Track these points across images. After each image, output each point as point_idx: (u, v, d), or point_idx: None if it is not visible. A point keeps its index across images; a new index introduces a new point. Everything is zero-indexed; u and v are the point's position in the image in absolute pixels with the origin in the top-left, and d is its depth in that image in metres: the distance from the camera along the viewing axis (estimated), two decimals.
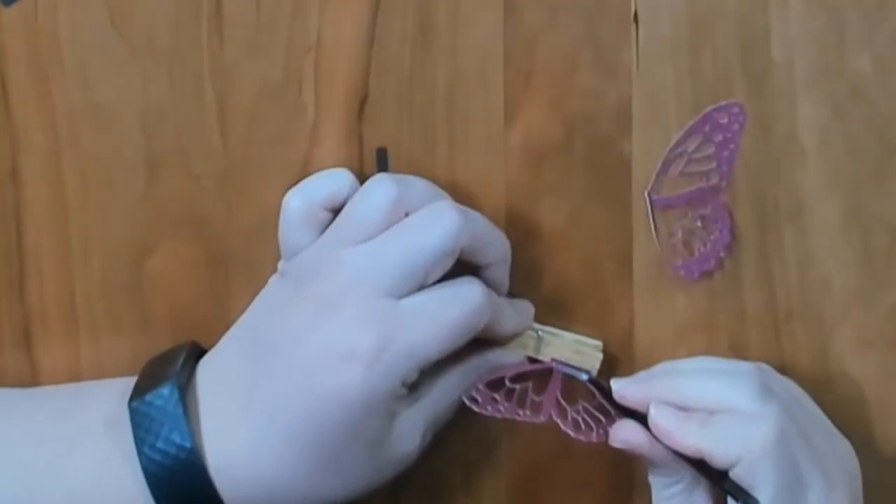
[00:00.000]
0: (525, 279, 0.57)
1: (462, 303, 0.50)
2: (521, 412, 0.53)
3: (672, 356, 0.58)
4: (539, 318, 0.57)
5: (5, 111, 0.58)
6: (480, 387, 0.52)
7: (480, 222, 0.52)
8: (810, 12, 0.56)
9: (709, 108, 0.56)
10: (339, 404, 0.48)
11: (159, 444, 0.48)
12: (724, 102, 0.56)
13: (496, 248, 0.53)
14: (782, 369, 0.57)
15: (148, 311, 0.59)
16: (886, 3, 0.56)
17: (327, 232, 0.52)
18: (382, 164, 0.57)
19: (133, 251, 0.58)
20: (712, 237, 0.57)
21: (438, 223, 0.50)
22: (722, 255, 0.57)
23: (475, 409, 0.52)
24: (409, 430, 0.51)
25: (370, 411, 0.49)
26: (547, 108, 0.57)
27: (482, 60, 0.57)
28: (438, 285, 0.50)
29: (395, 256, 0.49)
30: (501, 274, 0.54)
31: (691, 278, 0.57)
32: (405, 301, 0.49)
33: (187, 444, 0.48)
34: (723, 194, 0.57)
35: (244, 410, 0.49)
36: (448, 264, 0.50)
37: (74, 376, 0.58)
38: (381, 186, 0.51)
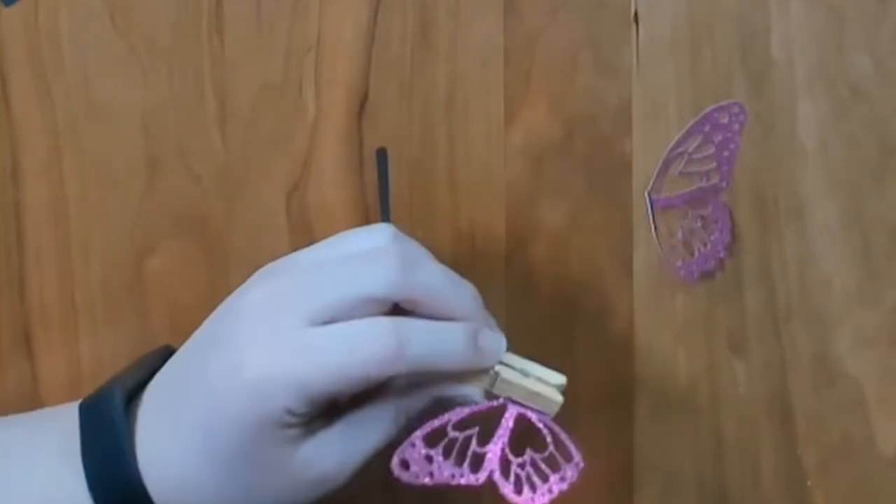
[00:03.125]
0: (525, 279, 0.57)
1: (360, 348, 0.46)
2: (457, 473, 0.47)
3: (672, 356, 0.58)
4: (540, 318, 0.57)
5: (5, 111, 0.58)
6: (417, 442, 0.47)
7: (435, 281, 0.47)
8: (810, 12, 0.56)
9: (709, 108, 0.56)
10: (229, 425, 0.46)
11: (101, 450, 0.48)
12: (724, 102, 0.56)
13: (454, 308, 0.48)
14: (782, 369, 0.57)
15: (148, 310, 0.59)
16: (886, 3, 0.56)
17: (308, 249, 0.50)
18: (382, 165, 0.57)
19: (133, 251, 0.58)
20: (712, 237, 0.57)
21: (373, 270, 0.47)
22: (722, 255, 0.57)
23: (404, 478, 0.47)
24: (323, 455, 0.48)
25: (258, 435, 0.46)
26: (547, 108, 0.57)
27: (482, 60, 0.57)
28: (352, 322, 0.47)
29: (317, 285, 0.47)
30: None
31: (691, 279, 0.57)
32: (312, 330, 0.46)
33: (124, 451, 0.47)
34: (723, 194, 0.57)
35: (167, 422, 0.48)
36: (375, 310, 0.47)
37: (74, 376, 0.58)
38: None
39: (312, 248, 0.49)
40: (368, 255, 0.47)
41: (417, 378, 0.48)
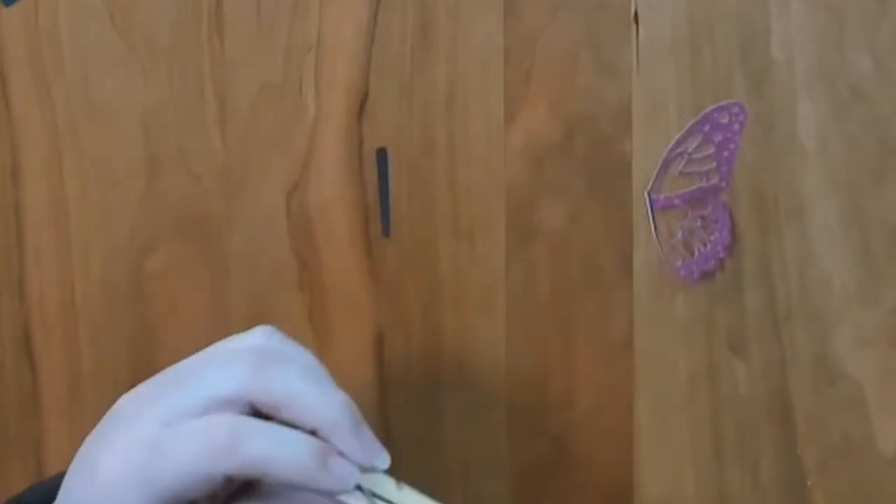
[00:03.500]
0: (525, 279, 0.57)
1: (193, 440, 0.44)
2: None
3: (672, 356, 0.58)
4: (540, 318, 0.57)
5: (6, 111, 0.58)
6: None
7: (292, 385, 0.45)
8: (810, 12, 0.56)
9: (709, 108, 0.56)
10: None
11: None
12: (724, 102, 0.56)
13: (315, 417, 0.45)
14: (782, 369, 0.57)
15: (148, 310, 0.59)
16: (886, 3, 0.56)
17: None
18: (382, 165, 0.57)
19: (133, 251, 0.58)
20: (712, 237, 0.57)
21: (222, 370, 0.45)
22: (722, 255, 0.57)
23: None
24: None
25: None
26: (547, 108, 0.57)
27: (482, 60, 0.57)
28: (197, 418, 0.45)
29: (169, 387, 0.46)
30: (336, 442, 0.46)
31: (691, 279, 0.57)
32: (162, 430, 0.45)
33: None
34: (723, 194, 0.57)
35: None
36: (232, 411, 0.45)
37: (74, 375, 0.58)
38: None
39: (197, 353, 0.48)
40: (225, 354, 0.46)
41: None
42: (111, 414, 0.47)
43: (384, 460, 0.46)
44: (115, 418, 0.47)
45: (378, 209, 0.58)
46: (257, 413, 0.45)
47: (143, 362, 0.56)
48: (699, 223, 0.57)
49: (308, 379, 0.45)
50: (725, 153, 0.56)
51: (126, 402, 0.47)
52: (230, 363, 0.45)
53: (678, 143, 0.56)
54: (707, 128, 0.56)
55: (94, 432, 0.47)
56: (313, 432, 0.45)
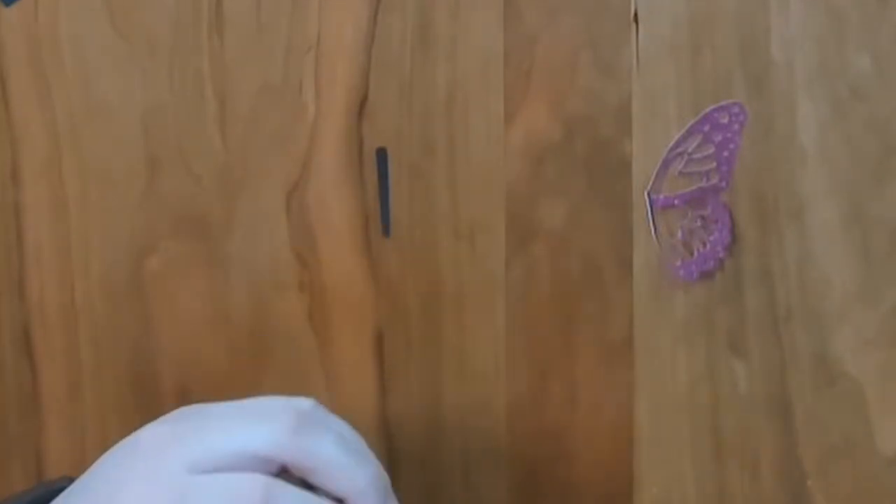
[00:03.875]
0: (525, 279, 0.57)
1: (222, 499, 0.44)
2: None
3: (672, 356, 0.58)
4: (540, 318, 0.57)
5: (5, 111, 0.58)
6: None
7: (327, 451, 0.45)
8: (810, 12, 0.56)
9: (709, 108, 0.56)
10: None
11: None
12: (724, 102, 0.56)
13: (344, 484, 0.46)
14: (782, 369, 0.57)
15: (148, 310, 0.59)
16: (886, 3, 0.56)
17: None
18: (382, 165, 0.57)
19: (133, 251, 0.58)
20: (712, 237, 0.57)
21: (262, 427, 0.45)
22: (722, 255, 0.57)
23: None
24: None
25: None
26: (547, 108, 0.57)
27: (482, 60, 0.57)
28: (229, 473, 0.45)
29: (203, 433, 0.46)
30: None
31: (690, 279, 0.57)
32: (188, 477, 0.45)
33: None
34: (723, 194, 0.57)
35: None
36: (262, 468, 0.45)
37: (73, 375, 0.58)
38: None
39: (225, 403, 0.48)
40: (265, 412, 0.46)
41: None
42: (132, 444, 0.46)
43: None
44: (137, 450, 0.45)
45: (378, 209, 0.58)
46: (285, 472, 0.45)
47: (143, 362, 0.56)
48: (699, 223, 0.57)
49: (343, 447, 0.45)
50: (725, 153, 0.56)
51: (149, 434, 0.46)
52: (269, 420, 0.45)
53: (678, 143, 0.56)
54: (707, 128, 0.56)
55: (112, 456, 0.46)
56: (340, 500, 0.45)
